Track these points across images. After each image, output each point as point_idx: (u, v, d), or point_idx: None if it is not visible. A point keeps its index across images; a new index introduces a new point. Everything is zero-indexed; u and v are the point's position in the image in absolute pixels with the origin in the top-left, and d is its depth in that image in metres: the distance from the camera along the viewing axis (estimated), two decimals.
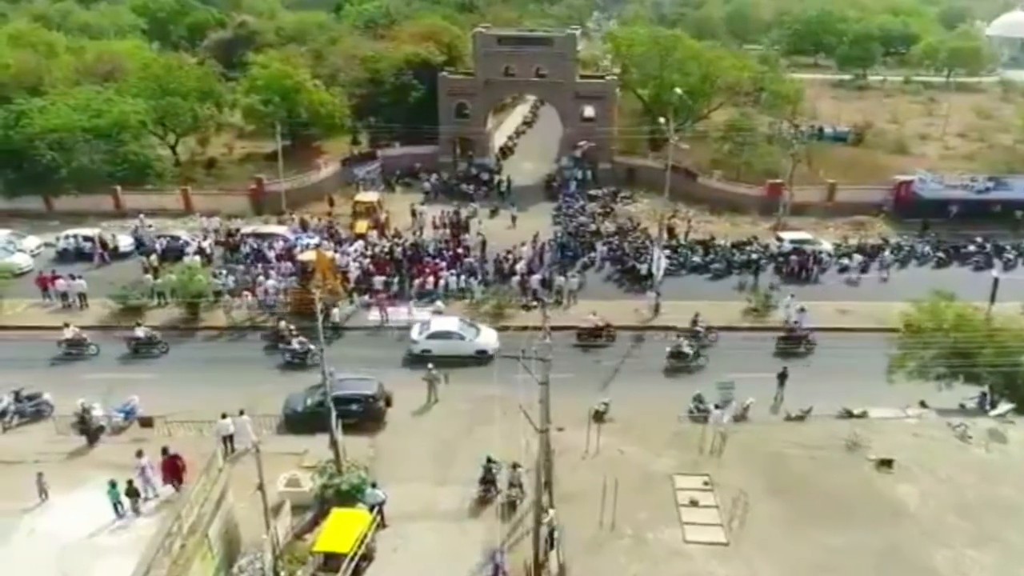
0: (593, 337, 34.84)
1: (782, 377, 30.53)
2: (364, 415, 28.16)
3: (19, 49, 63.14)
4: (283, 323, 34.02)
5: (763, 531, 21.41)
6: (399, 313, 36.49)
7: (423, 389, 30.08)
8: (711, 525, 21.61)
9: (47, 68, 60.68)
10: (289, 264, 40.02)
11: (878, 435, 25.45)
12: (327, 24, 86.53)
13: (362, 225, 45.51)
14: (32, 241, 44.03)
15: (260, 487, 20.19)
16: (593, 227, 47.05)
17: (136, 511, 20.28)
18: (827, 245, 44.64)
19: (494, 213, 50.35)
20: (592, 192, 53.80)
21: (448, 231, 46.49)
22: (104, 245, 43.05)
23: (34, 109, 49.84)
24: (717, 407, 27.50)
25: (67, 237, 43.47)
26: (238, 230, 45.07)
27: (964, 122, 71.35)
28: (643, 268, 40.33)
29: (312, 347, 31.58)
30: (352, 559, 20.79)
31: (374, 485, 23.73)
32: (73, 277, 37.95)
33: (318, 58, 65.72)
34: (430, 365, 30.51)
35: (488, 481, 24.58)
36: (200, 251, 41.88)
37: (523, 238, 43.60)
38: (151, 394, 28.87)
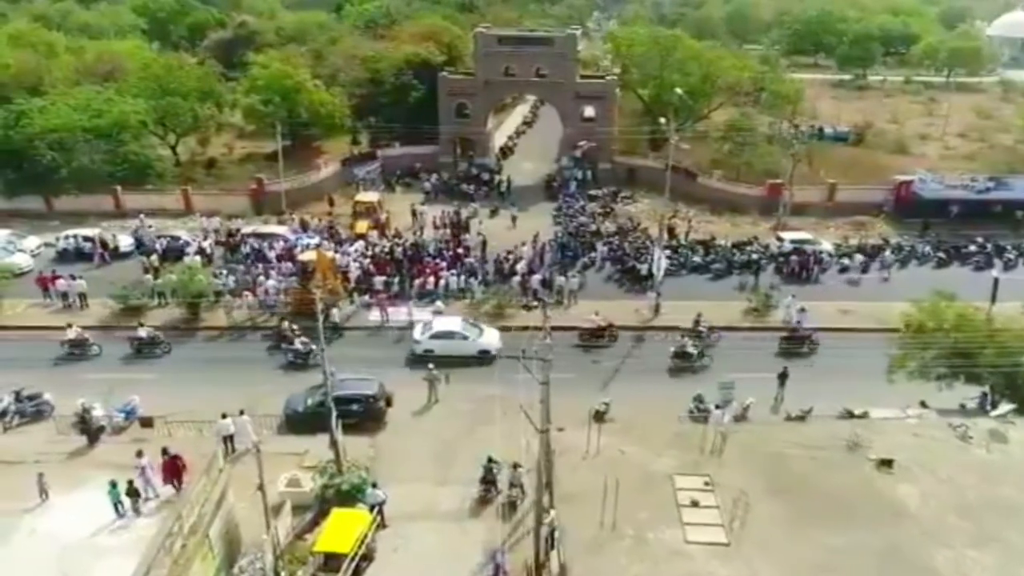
0: (596, 337, 34.84)
1: (782, 377, 30.53)
2: (364, 415, 28.16)
3: (19, 49, 63.12)
4: (286, 323, 34.01)
5: (764, 531, 21.41)
6: (399, 313, 36.48)
7: (423, 389, 30.08)
8: (712, 525, 21.61)
9: (47, 68, 60.67)
10: (289, 264, 40.03)
11: (879, 435, 25.45)
12: (327, 24, 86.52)
13: (362, 225, 45.52)
14: (32, 241, 44.04)
15: (260, 487, 20.17)
16: (593, 227, 47.05)
17: (137, 511, 20.29)
18: (827, 245, 44.63)
19: (494, 213, 50.35)
20: (592, 192, 53.81)
21: (448, 231, 46.49)
22: (104, 245, 43.05)
23: (34, 109, 49.84)
24: (717, 407, 27.48)
25: (67, 237, 43.48)
26: (238, 230, 45.07)
27: (964, 122, 71.33)
28: (643, 268, 40.33)
29: (314, 347, 31.59)
30: (352, 559, 20.79)
31: (374, 485, 23.73)
32: (73, 277, 37.94)
33: (318, 58, 65.72)
34: (431, 365, 30.51)
35: (489, 481, 24.58)
36: (200, 251, 41.87)
37: (523, 238, 43.60)
38: (152, 394, 28.88)
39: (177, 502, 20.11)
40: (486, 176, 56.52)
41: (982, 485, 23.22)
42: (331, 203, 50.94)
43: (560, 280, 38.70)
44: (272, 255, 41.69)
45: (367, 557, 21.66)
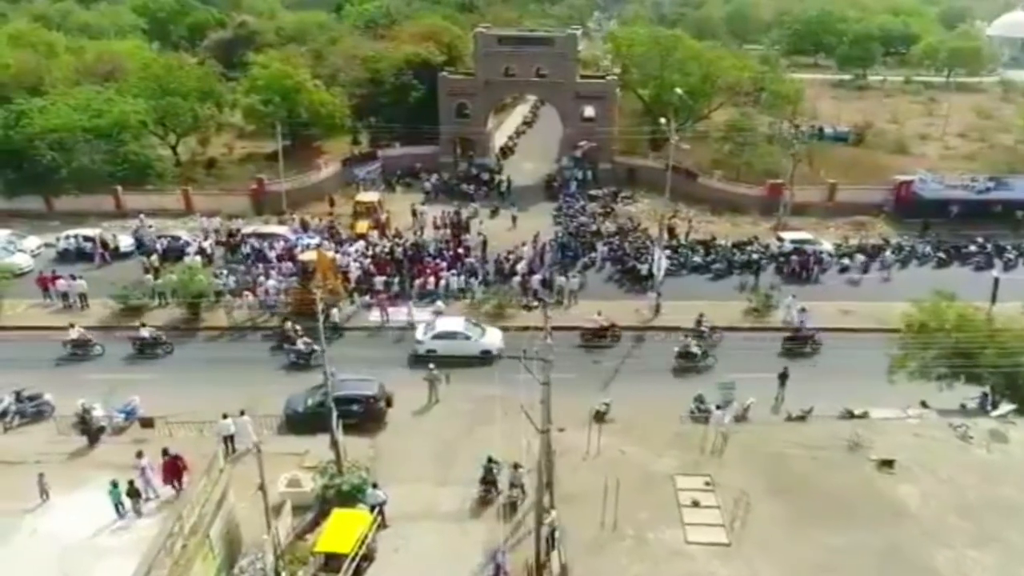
0: (598, 337, 34.83)
1: (783, 377, 30.53)
2: (365, 415, 28.16)
3: (19, 49, 63.14)
4: (289, 324, 33.96)
5: (764, 531, 21.39)
6: (399, 313, 36.48)
7: (424, 389, 30.08)
8: (712, 525, 21.58)
9: (47, 68, 60.68)
10: (290, 264, 40.04)
11: (879, 435, 25.42)
12: (327, 24, 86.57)
13: (363, 225, 45.53)
14: (32, 241, 44.05)
15: (261, 487, 20.19)
16: (594, 227, 47.05)
17: (137, 512, 20.27)
18: (828, 245, 44.64)
19: (494, 213, 50.34)
20: (592, 192, 53.82)
21: (449, 231, 46.48)
22: (105, 245, 43.05)
23: (34, 109, 49.85)
24: (718, 407, 27.50)
25: (67, 237, 43.48)
26: (239, 230, 45.07)
27: (964, 122, 71.36)
28: (644, 268, 40.34)
29: (316, 348, 31.56)
30: (353, 559, 20.80)
31: (375, 485, 23.74)
32: (74, 277, 37.94)
33: (318, 58, 65.73)
34: (431, 365, 30.51)
35: (489, 481, 24.58)
36: (201, 251, 41.87)
37: (524, 238, 43.61)
38: (152, 394, 28.87)
39: (178, 502, 20.10)
40: (486, 176, 56.52)
41: (983, 485, 23.20)
42: (331, 203, 50.94)
43: (560, 280, 38.69)
44: (272, 255, 41.70)
45: (368, 557, 21.66)
